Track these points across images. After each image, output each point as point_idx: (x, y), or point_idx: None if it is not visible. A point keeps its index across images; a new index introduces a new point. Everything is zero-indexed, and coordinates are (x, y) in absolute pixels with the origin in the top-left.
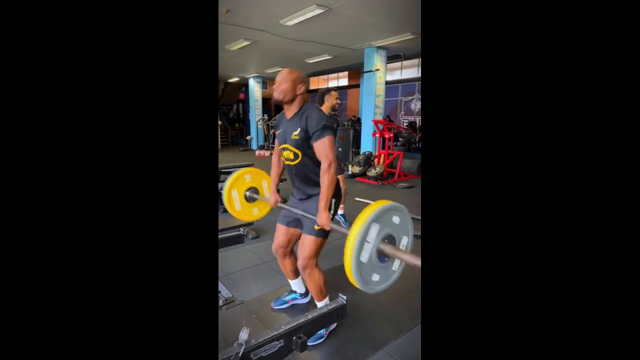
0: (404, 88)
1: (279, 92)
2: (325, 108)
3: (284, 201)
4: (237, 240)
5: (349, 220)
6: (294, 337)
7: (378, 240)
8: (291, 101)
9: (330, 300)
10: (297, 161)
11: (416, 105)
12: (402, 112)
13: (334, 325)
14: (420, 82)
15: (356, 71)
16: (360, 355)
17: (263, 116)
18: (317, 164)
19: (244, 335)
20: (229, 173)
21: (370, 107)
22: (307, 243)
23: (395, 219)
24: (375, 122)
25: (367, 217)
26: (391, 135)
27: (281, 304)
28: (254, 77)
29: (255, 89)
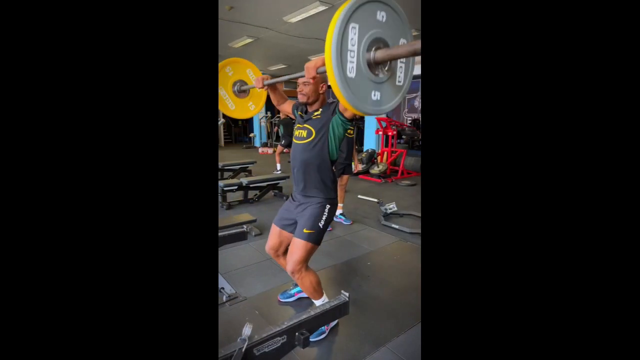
0: None
1: (302, 95)
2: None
3: (287, 198)
4: (241, 237)
5: (350, 217)
6: (297, 333)
7: (363, 47)
8: (315, 101)
9: (333, 297)
10: (309, 139)
11: (420, 103)
12: (406, 110)
13: (334, 322)
14: None
15: None
16: (362, 351)
17: (266, 113)
18: (327, 151)
19: (247, 330)
20: (232, 171)
21: None
22: (296, 246)
23: (381, 16)
24: (379, 120)
25: (339, 15)
26: (394, 132)
27: (288, 297)
28: None
29: None
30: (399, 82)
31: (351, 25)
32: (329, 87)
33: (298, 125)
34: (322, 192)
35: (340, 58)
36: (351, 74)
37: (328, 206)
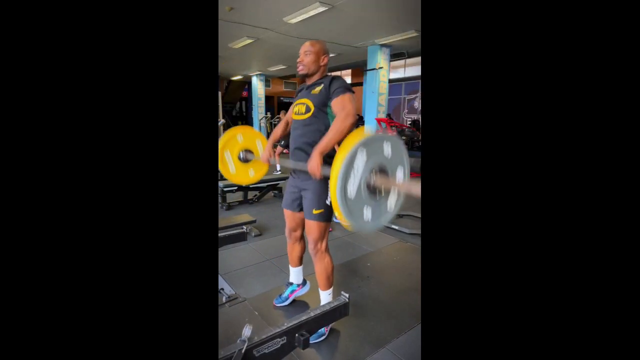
0: (407, 86)
1: (303, 65)
2: None
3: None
4: (240, 237)
5: None
6: (297, 334)
7: (367, 170)
8: (315, 73)
9: (333, 297)
10: (308, 115)
11: (419, 104)
12: (406, 111)
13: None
14: None
15: (359, 69)
16: (361, 353)
17: (266, 114)
18: (327, 124)
19: (247, 332)
20: None
21: (374, 105)
22: (310, 228)
23: (387, 149)
24: (379, 121)
25: (353, 143)
26: (394, 133)
27: (282, 301)
28: (257, 75)
29: (259, 87)
30: (389, 208)
31: (360, 149)
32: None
33: (297, 101)
34: (323, 167)
35: (345, 175)
36: (351, 191)
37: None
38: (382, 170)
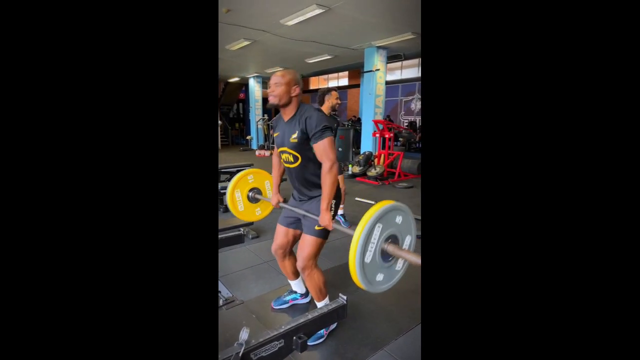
0: (404, 88)
1: (273, 97)
2: (326, 108)
3: (285, 201)
4: (238, 240)
5: (349, 220)
6: (294, 337)
7: (382, 240)
8: (287, 104)
9: (331, 300)
10: (296, 164)
11: (416, 105)
12: (402, 112)
13: (334, 325)
14: (420, 82)
15: (356, 71)
16: (360, 355)
17: (263, 116)
18: (317, 165)
19: (244, 335)
20: (229, 173)
21: (371, 107)
22: (307, 243)
23: (398, 219)
24: (376, 122)
25: (371, 217)
26: (391, 135)
27: (281, 304)
28: (254, 77)
29: (256, 89)
30: (398, 268)
31: (378, 224)
32: (311, 91)
33: (280, 149)
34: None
35: (364, 248)
36: (367, 259)
37: (334, 200)
38: (394, 238)
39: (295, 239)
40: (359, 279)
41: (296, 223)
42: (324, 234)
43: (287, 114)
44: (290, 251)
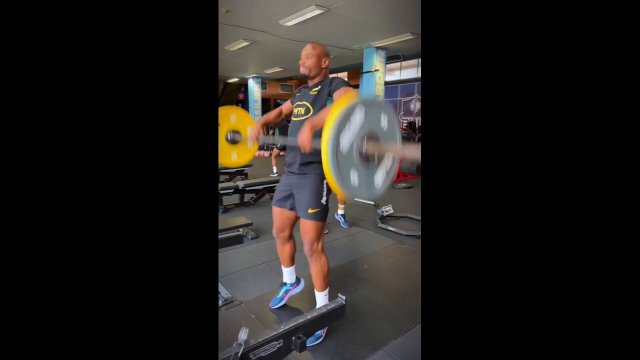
0: (403, 88)
1: (305, 67)
2: None
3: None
4: (237, 240)
5: (349, 221)
6: (293, 337)
7: (362, 131)
8: (317, 75)
9: (330, 300)
10: (307, 116)
11: (415, 106)
12: (402, 113)
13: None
14: (419, 83)
15: (355, 71)
16: (359, 355)
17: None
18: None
19: (243, 335)
20: (229, 174)
21: None
22: (306, 228)
23: (384, 121)
24: None
25: (355, 96)
26: None
27: (278, 302)
28: (253, 77)
29: (255, 90)
30: (377, 184)
31: (360, 106)
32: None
33: (297, 103)
34: (318, 166)
35: (340, 126)
36: (343, 146)
37: (325, 180)
38: (375, 139)
39: (291, 221)
40: (330, 167)
41: (285, 201)
42: (321, 215)
43: (314, 81)
44: (290, 235)
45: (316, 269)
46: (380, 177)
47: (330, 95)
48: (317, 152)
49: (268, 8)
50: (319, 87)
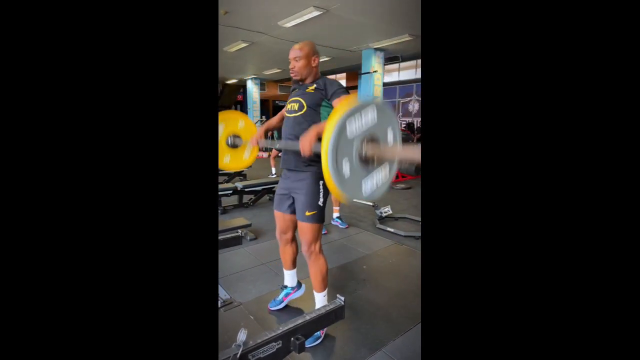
0: (401, 89)
1: (295, 73)
2: None
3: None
4: (236, 241)
5: (347, 221)
6: (292, 338)
7: (363, 134)
8: (308, 76)
9: (328, 301)
10: (300, 112)
11: (414, 107)
12: (400, 114)
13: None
14: (417, 84)
15: (354, 73)
16: (358, 356)
17: (261, 118)
18: (318, 122)
19: (242, 336)
20: (227, 175)
21: None
22: (304, 230)
23: (372, 115)
24: None
25: (339, 115)
26: None
27: (277, 305)
28: (251, 78)
29: (254, 91)
30: (380, 181)
31: (348, 121)
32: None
33: (292, 98)
34: (314, 166)
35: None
36: (345, 171)
37: (321, 181)
38: (373, 139)
39: (294, 222)
40: (330, 170)
41: (288, 203)
42: (318, 217)
43: (307, 81)
44: (293, 237)
45: (314, 270)
46: (380, 179)
47: (326, 97)
48: (314, 154)
49: (266, 9)
50: (314, 85)
